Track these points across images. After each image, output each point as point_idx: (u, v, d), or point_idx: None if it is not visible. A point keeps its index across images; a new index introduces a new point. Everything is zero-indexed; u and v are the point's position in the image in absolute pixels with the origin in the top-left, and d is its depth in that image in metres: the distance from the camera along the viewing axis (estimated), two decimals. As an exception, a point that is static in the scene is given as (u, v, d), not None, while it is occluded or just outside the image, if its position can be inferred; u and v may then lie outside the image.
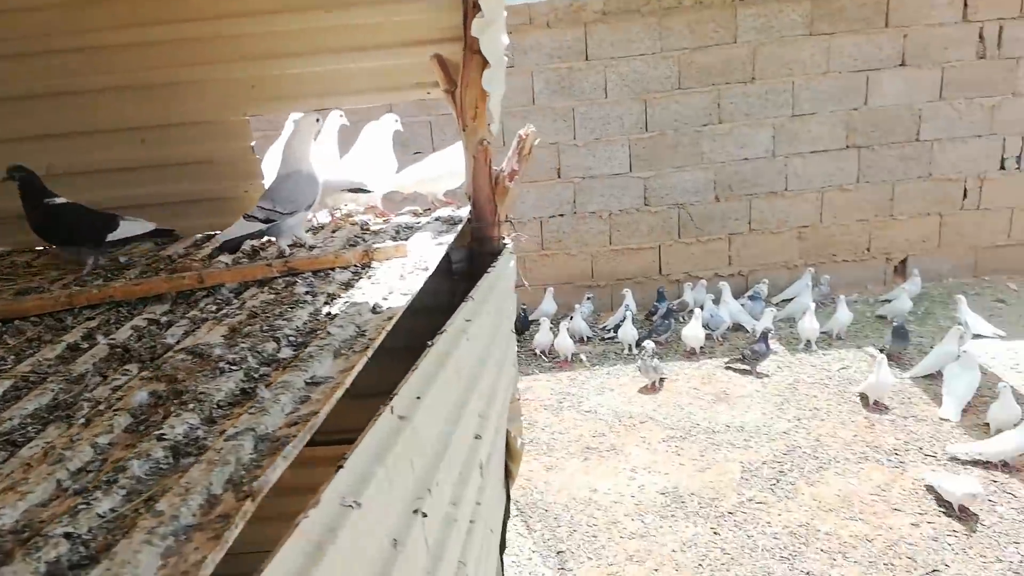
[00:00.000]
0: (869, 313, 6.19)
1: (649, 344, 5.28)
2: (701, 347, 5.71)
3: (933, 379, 4.95)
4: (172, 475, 1.12)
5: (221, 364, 1.50)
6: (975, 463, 4.09)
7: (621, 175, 6.43)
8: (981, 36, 6.12)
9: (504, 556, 3.75)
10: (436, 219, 2.70)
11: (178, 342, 1.76)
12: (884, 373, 4.66)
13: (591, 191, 6.46)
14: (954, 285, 6.51)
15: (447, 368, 1.72)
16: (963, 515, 3.70)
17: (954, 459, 4.13)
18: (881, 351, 5.22)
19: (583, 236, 6.58)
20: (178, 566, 0.87)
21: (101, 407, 1.42)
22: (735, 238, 6.60)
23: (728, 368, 5.49)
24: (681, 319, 6.03)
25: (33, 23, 2.67)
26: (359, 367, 1.39)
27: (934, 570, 3.39)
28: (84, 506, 1.03)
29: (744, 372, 5.39)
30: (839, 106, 6.26)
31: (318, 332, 1.62)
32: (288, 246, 2.35)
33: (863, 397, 4.85)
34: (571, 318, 6.11)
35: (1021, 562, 3.39)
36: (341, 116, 3.12)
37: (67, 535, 0.96)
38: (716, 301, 6.11)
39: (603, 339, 6.17)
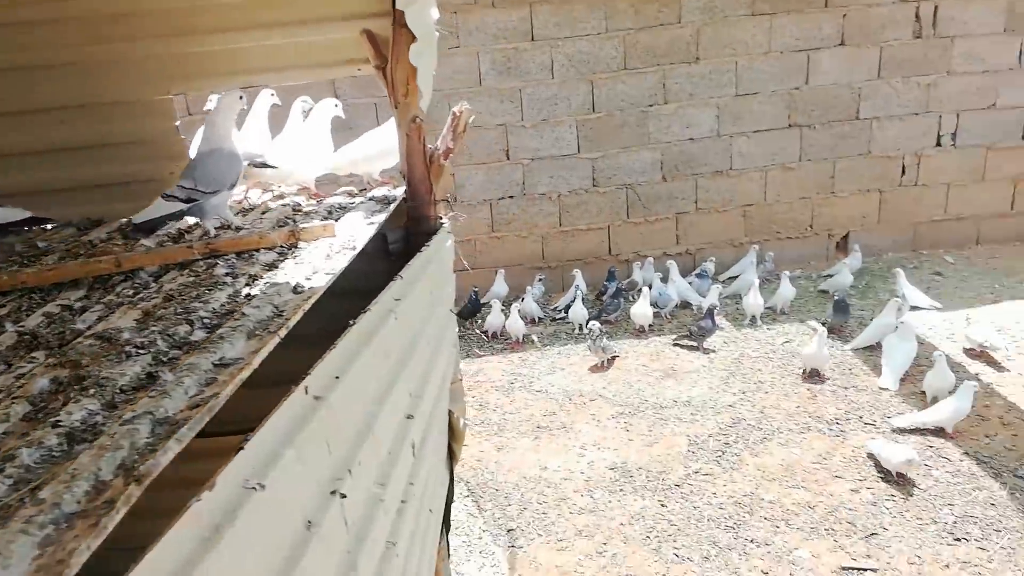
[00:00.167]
0: (812, 288, 6.33)
1: (595, 325, 5.31)
2: (650, 325, 5.77)
3: (873, 350, 5.09)
4: (65, 463, 1.07)
5: (128, 348, 1.45)
6: (914, 431, 4.22)
7: (569, 156, 6.42)
8: (917, 16, 6.26)
9: (453, 536, 3.76)
10: (370, 199, 2.65)
11: (89, 328, 1.69)
12: (818, 344, 4.77)
13: (540, 172, 6.44)
14: (893, 259, 6.69)
15: (372, 348, 1.68)
16: (901, 480, 3.82)
17: (897, 429, 4.25)
18: (823, 324, 5.34)
19: (533, 218, 6.57)
20: (55, 555, 0.83)
21: (0, 395, 1.36)
22: (682, 217, 6.66)
23: (676, 345, 5.56)
24: (631, 298, 6.08)
25: (-65, -2, 2.52)
26: (270, 347, 1.34)
27: (872, 533, 3.50)
28: (-35, 498, 0.97)
29: (691, 348, 5.47)
30: (781, 86, 6.35)
31: (234, 313, 1.57)
32: (216, 228, 2.28)
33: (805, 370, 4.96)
34: (522, 300, 6.11)
35: (955, 523, 3.52)
36: (272, 95, 3.04)
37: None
38: (664, 280, 6.17)
39: (554, 320, 6.19)
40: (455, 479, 3.06)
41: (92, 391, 1.28)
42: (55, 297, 1.96)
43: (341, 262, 1.87)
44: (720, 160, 6.52)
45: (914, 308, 5.61)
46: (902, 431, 4.23)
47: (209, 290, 1.76)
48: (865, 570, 3.28)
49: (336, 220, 2.34)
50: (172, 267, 2.05)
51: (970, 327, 5.07)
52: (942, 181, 6.72)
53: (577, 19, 6.07)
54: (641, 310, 5.68)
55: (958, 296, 5.94)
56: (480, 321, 6.11)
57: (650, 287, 5.94)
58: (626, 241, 6.69)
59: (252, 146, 2.83)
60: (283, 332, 1.40)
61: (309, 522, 1.23)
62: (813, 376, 4.88)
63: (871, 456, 4.01)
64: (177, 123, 2.74)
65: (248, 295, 1.70)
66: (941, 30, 6.29)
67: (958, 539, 3.41)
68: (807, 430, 4.36)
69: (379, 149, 2.89)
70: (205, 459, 1.28)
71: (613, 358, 5.39)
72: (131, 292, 1.92)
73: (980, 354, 4.95)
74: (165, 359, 1.41)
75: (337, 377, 1.45)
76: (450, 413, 2.88)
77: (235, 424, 1.56)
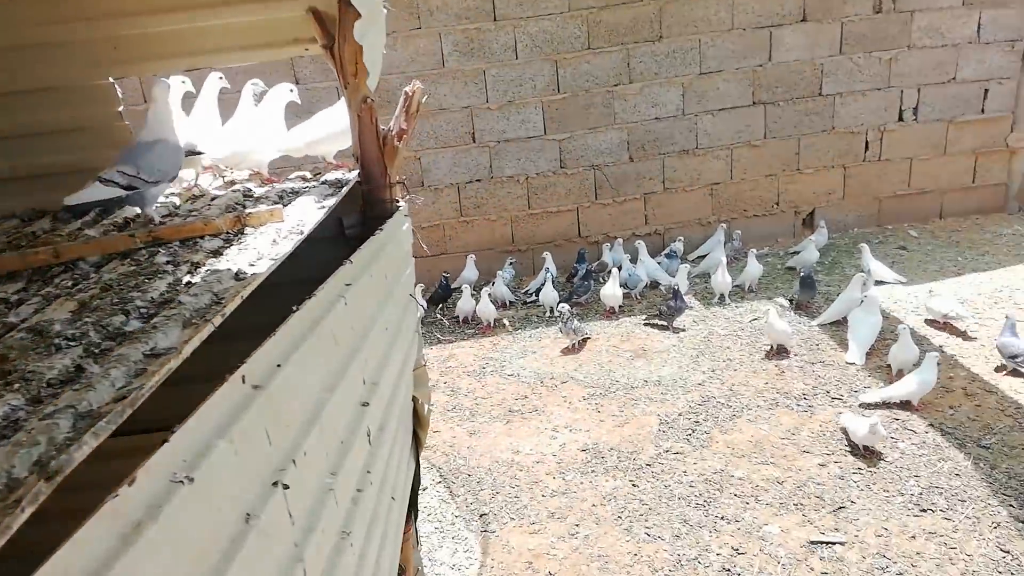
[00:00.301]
0: (779, 265, 6.37)
1: (564, 307, 5.29)
2: (620, 306, 5.77)
3: (839, 325, 5.13)
4: (-21, 462, 1.01)
5: (58, 341, 1.38)
6: (881, 405, 4.27)
7: (536, 138, 6.37)
8: (877, -10, 6.29)
9: (424, 523, 3.73)
10: (323, 183, 2.58)
11: (23, 321, 1.61)
12: (774, 319, 4.81)
13: (507, 155, 6.39)
14: (859, 235, 6.76)
15: (319, 334, 1.63)
16: (867, 453, 3.86)
17: (864, 405, 4.28)
18: (790, 301, 5.37)
19: (502, 201, 6.51)
20: (-45, 559, 0.78)
21: (-80, 395, 1.29)
22: (650, 197, 6.66)
23: (646, 325, 5.57)
24: (601, 280, 6.07)
25: None
26: (204, 334, 1.29)
27: (840, 507, 3.53)
28: None
29: (662, 328, 5.48)
30: (744, 63, 6.34)
31: (171, 303, 1.50)
32: (162, 217, 2.20)
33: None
34: (493, 284, 6.07)
35: (921, 494, 3.56)
36: (221, 78, 2.94)
37: None
38: (634, 260, 6.17)
39: (525, 303, 6.17)
40: (422, 466, 3.02)
41: (17, 386, 1.21)
42: (-9, 291, 1.87)
43: (287, 247, 1.81)
44: (686, 139, 6.52)
45: (879, 282, 5.66)
46: (869, 407, 4.27)
47: (149, 279, 1.69)
48: (833, 543, 3.31)
49: (286, 205, 2.27)
50: (114, 257, 1.98)
51: (932, 299, 5.13)
52: (905, 156, 6.79)
53: (540, -2, 6.00)
54: (611, 291, 5.67)
55: (922, 270, 6.02)
56: (451, 306, 6.06)
57: (620, 268, 5.94)
58: (595, 222, 6.67)
59: (200, 131, 2.74)
60: (218, 320, 1.34)
61: (248, 515, 1.18)
62: (780, 353, 4.91)
63: (844, 430, 4.03)
64: (120, 109, 2.65)
65: (188, 283, 1.63)
66: (901, 4, 6.33)
67: (924, 510, 3.45)
68: (775, 406, 4.39)
69: (332, 129, 2.81)
70: (141, 457, 1.23)
71: (584, 340, 5.38)
72: (70, 283, 1.84)
73: (944, 326, 5.01)
74: (97, 351, 1.34)
75: (279, 365, 1.40)
76: (414, 399, 2.84)
77: (176, 421, 1.51)
